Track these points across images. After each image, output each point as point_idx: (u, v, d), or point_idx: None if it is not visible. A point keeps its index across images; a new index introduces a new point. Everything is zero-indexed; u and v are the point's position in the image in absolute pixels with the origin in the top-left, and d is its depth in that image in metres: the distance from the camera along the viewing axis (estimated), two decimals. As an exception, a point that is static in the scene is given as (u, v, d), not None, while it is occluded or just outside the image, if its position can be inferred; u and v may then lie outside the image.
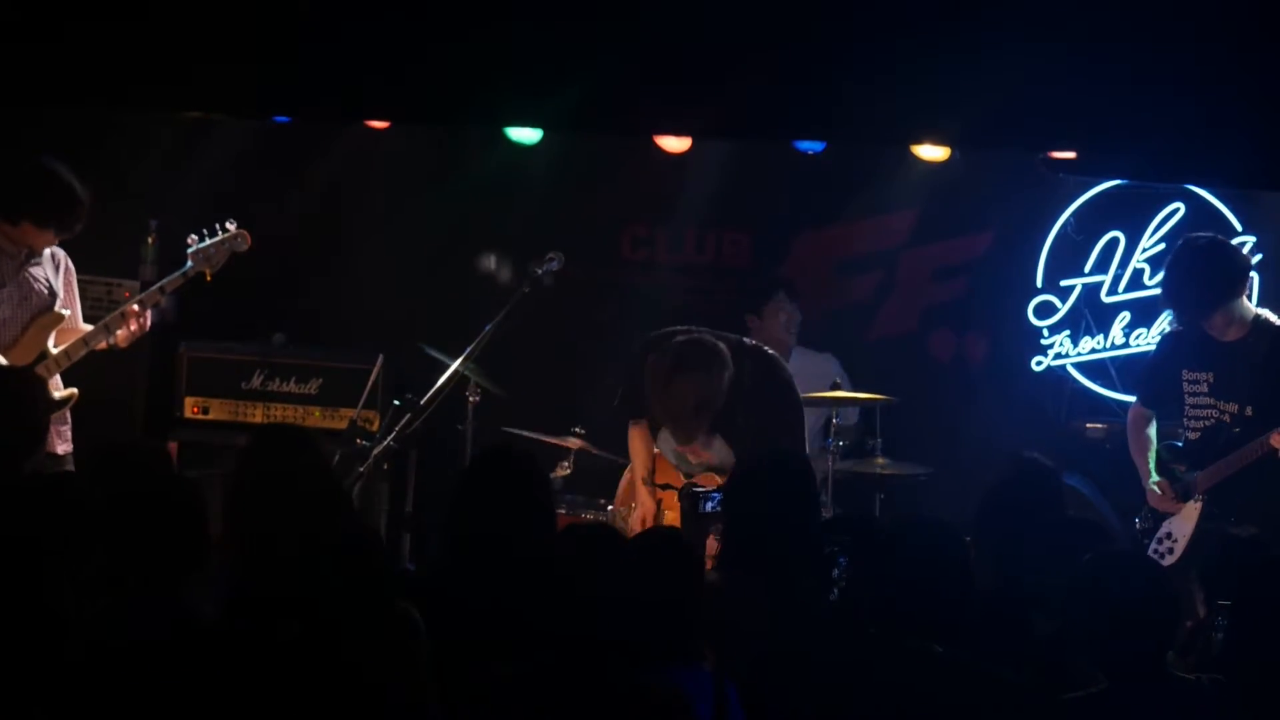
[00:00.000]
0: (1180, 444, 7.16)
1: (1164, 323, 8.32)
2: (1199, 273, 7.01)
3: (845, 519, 5.49)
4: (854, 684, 4.34)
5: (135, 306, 7.12)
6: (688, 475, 6.82)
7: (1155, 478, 7.09)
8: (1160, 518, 7.07)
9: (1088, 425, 8.72)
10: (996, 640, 4.66)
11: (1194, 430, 7.08)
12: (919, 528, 4.61)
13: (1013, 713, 4.37)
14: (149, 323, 7.17)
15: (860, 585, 4.79)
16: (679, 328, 6.80)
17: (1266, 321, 7.03)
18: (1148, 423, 7.23)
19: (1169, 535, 6.98)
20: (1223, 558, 5.34)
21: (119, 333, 7.12)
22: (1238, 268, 7.11)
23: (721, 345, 6.59)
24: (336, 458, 7.09)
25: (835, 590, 4.86)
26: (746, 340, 6.86)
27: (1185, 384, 7.09)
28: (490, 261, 9.04)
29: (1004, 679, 4.40)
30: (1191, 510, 6.97)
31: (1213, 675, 4.47)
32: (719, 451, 6.71)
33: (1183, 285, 7.05)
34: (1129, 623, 4.34)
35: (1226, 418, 6.95)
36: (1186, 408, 7.10)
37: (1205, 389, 7.03)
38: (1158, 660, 4.38)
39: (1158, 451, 7.15)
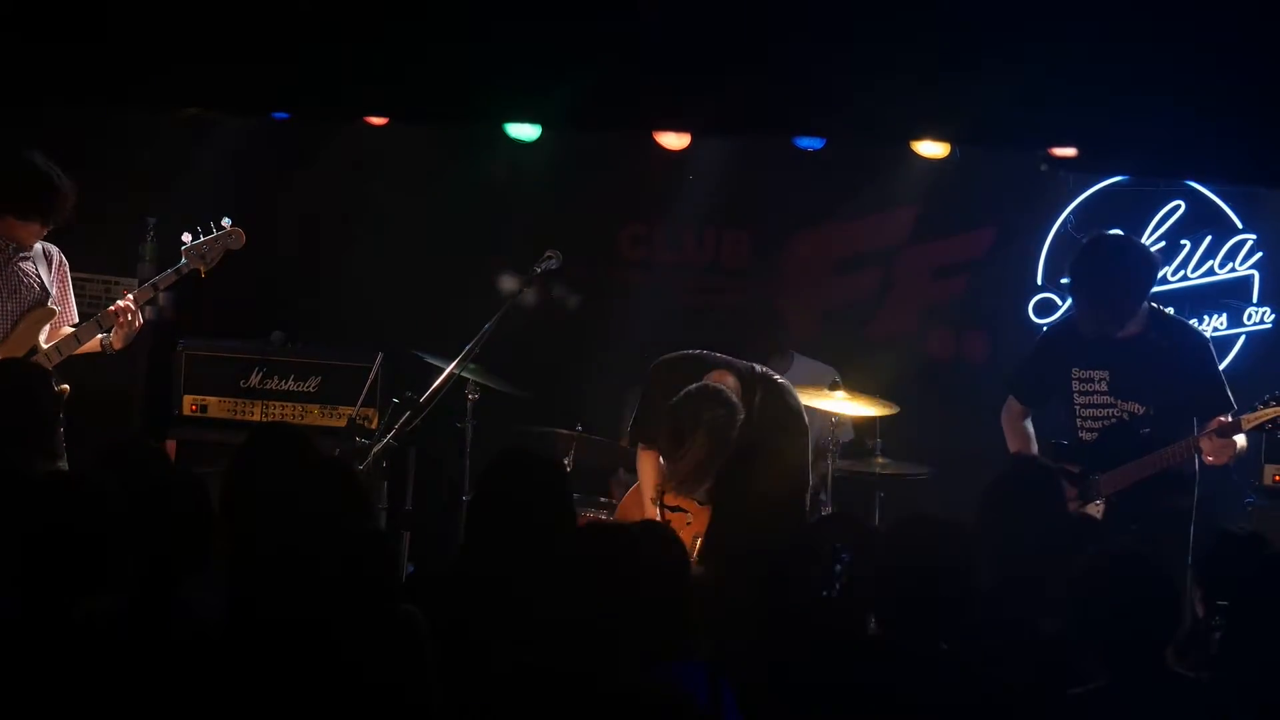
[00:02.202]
0: (1067, 442, 6.94)
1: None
2: (1125, 272, 6.80)
3: (840, 518, 5.48)
4: (854, 681, 4.34)
5: (128, 300, 7.09)
6: (700, 503, 6.77)
7: None
8: None
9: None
10: (997, 638, 4.66)
11: (1090, 430, 6.87)
12: (920, 525, 4.61)
13: (1012, 710, 4.37)
14: (141, 322, 7.14)
15: (861, 582, 4.78)
16: (690, 352, 6.73)
17: (1162, 314, 6.90)
18: (1024, 418, 7.08)
19: None
20: (1221, 556, 5.32)
21: (114, 334, 7.08)
22: (1156, 264, 7.03)
23: (730, 391, 6.46)
24: (336, 455, 7.09)
25: (836, 586, 4.86)
26: (758, 368, 6.78)
27: (1075, 382, 6.88)
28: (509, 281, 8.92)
29: (1004, 676, 4.40)
30: (1092, 512, 6.76)
31: (1210, 674, 4.47)
32: None
33: (1108, 286, 6.77)
34: (1129, 620, 4.34)
35: (1126, 417, 6.77)
36: (1077, 407, 6.88)
37: (1103, 387, 6.84)
38: (1158, 657, 4.38)
39: (1042, 450, 6.97)
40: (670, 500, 6.66)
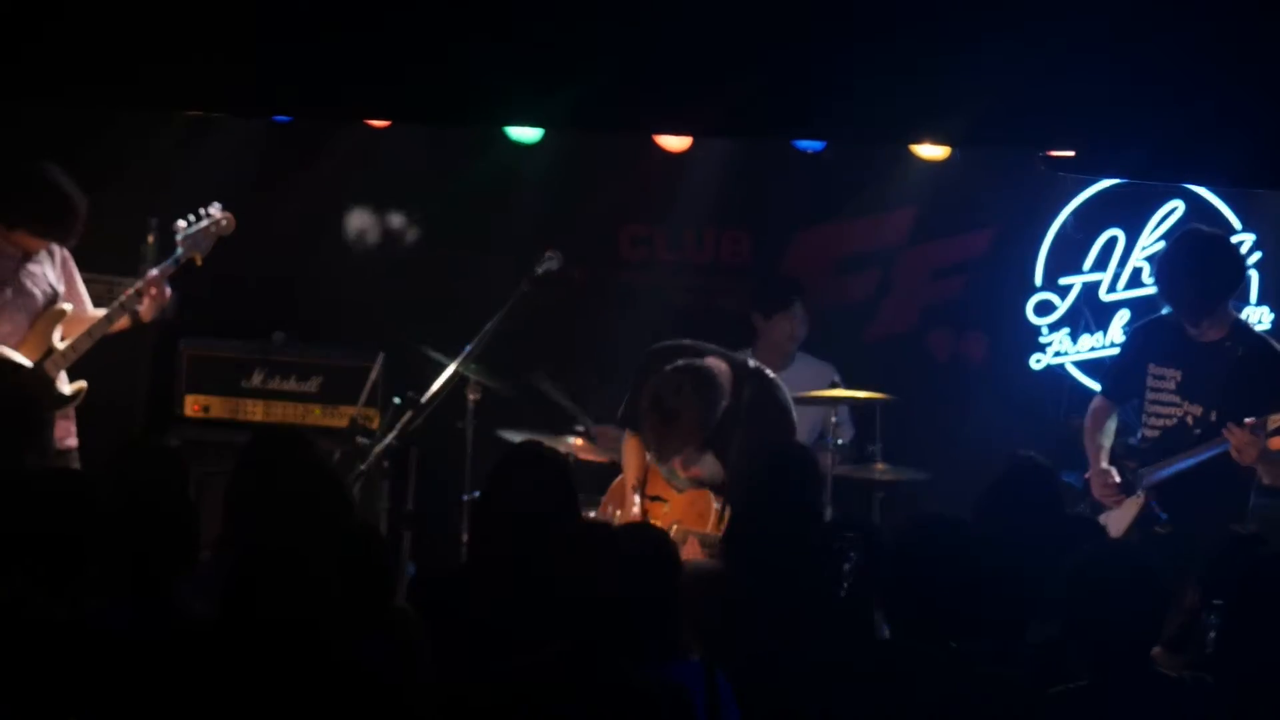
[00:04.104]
0: (1136, 441, 6.96)
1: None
2: (1209, 265, 6.78)
3: (847, 522, 5.50)
4: (857, 680, 4.35)
5: (152, 274, 7.15)
6: (678, 490, 6.82)
7: (1103, 466, 6.91)
8: (1100, 509, 6.88)
9: (1088, 423, 8.71)
10: (995, 638, 4.67)
11: (1153, 428, 6.88)
12: (926, 525, 4.62)
13: (1010, 709, 4.38)
14: (169, 292, 7.20)
15: (869, 582, 4.80)
16: (684, 341, 6.79)
17: (1246, 326, 6.90)
18: (1108, 416, 7.06)
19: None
20: (1221, 555, 5.33)
21: (145, 306, 7.16)
22: (1244, 264, 7.01)
23: (720, 372, 6.56)
24: (337, 456, 7.11)
25: (844, 586, 4.87)
26: (750, 362, 6.85)
27: (1150, 379, 6.89)
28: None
29: (1002, 676, 4.41)
30: (1131, 505, 6.78)
31: (1201, 674, 4.47)
32: (708, 467, 6.73)
33: (1191, 277, 6.77)
34: (1116, 618, 4.34)
35: (1189, 419, 6.76)
36: (1148, 404, 6.91)
37: (1172, 386, 6.83)
38: (1143, 656, 4.38)
39: (1113, 447, 6.98)
40: (651, 490, 6.72)
